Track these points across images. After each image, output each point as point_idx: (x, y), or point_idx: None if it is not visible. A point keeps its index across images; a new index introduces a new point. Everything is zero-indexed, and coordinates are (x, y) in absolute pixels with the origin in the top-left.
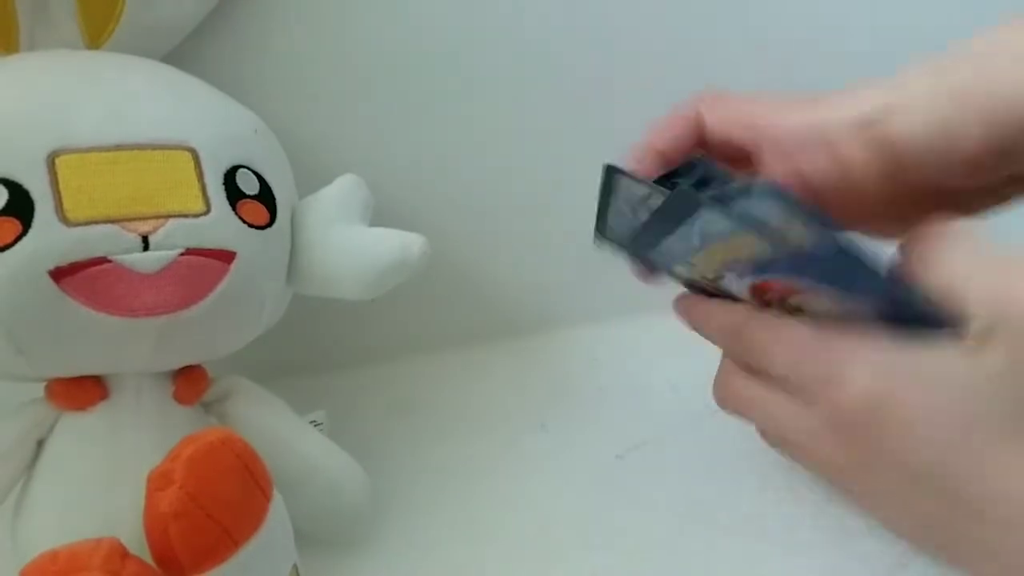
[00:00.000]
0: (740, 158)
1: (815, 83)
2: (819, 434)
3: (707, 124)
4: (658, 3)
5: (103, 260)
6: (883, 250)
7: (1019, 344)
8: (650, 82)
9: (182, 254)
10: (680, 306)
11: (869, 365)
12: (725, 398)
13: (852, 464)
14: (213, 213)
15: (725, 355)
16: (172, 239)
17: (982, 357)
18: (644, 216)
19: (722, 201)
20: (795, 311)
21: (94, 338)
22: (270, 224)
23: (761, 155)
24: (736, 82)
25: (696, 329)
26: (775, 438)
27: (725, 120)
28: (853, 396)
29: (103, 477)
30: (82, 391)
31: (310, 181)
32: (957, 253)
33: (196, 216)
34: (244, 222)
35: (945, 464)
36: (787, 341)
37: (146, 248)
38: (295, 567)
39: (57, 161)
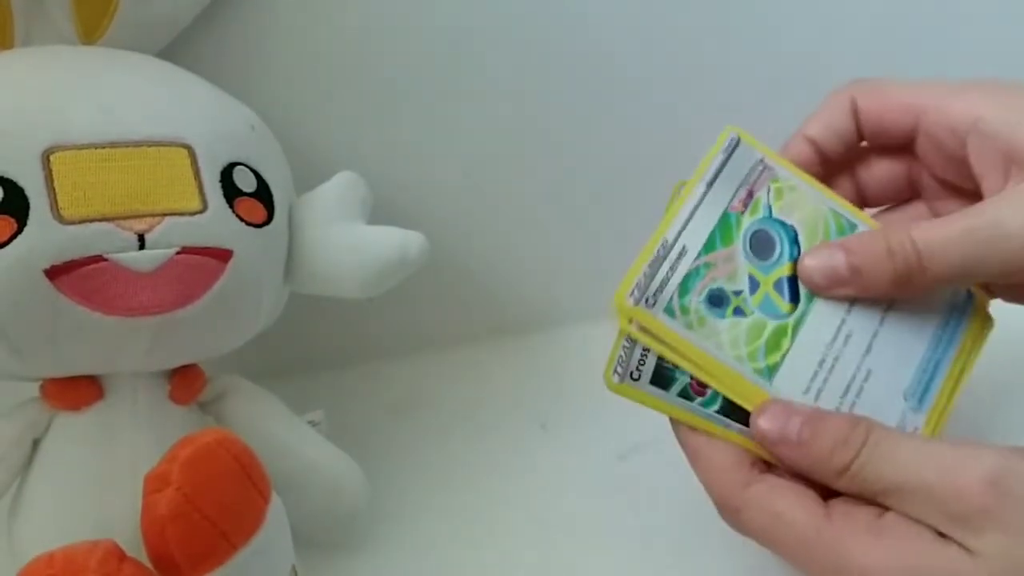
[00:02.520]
0: (895, 147)
1: (821, 86)
2: None
3: (862, 110)
4: (661, 2)
5: (99, 259)
6: None
7: None
8: (653, 80)
9: (178, 253)
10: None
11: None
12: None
13: None
14: (210, 211)
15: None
16: (168, 237)
17: None
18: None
19: None
20: None
21: (89, 337)
22: (268, 222)
23: (917, 143)
24: (740, 82)
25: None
26: None
27: (882, 106)
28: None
29: (99, 478)
30: (77, 391)
31: (308, 178)
32: None
33: (193, 214)
34: (241, 220)
35: None
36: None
37: (142, 247)
38: (293, 568)
39: (52, 158)
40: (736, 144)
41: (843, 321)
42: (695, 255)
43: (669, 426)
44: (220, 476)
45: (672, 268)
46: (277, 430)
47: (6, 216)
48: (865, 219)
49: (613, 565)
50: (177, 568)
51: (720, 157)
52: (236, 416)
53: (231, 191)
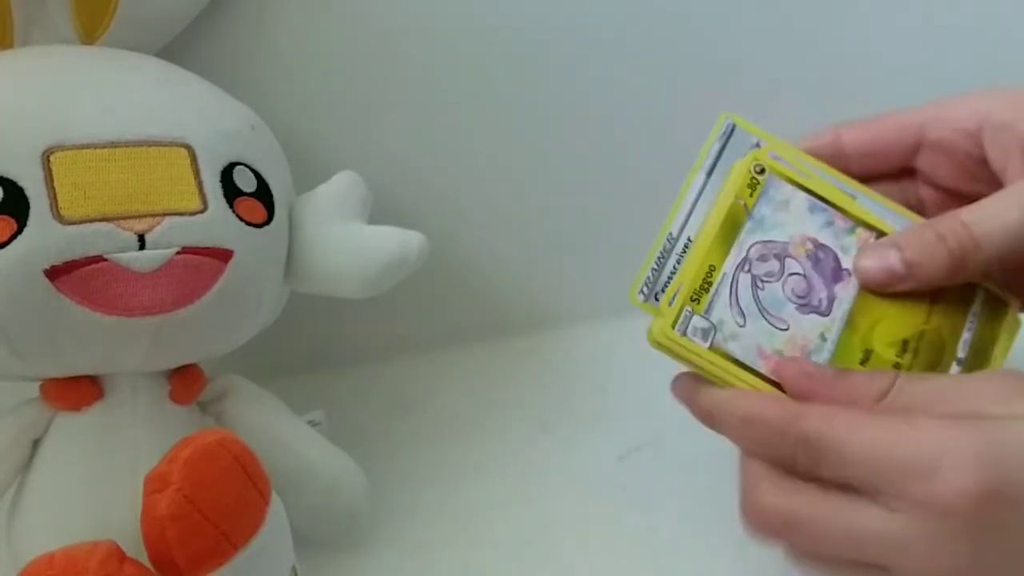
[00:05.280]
0: (886, 173)
1: (826, 84)
2: (917, 539)
3: (848, 142)
4: (661, 3)
5: (99, 259)
6: None
7: None
8: (651, 78)
9: (178, 253)
10: (680, 387)
11: (970, 451)
12: (764, 520)
13: (965, 564)
14: (210, 211)
15: (748, 459)
16: (168, 238)
17: None
18: None
19: None
20: None
21: (89, 338)
22: (268, 222)
23: (920, 158)
24: (742, 81)
25: (708, 421)
26: (847, 551)
27: (873, 133)
28: (962, 489)
29: (99, 478)
30: (77, 391)
31: (307, 178)
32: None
33: (193, 214)
34: (241, 220)
35: None
36: (860, 434)
37: (142, 247)
38: (293, 568)
39: (52, 158)
40: (732, 130)
41: None
42: None
43: (668, 427)
44: (220, 477)
45: (679, 261)
46: (277, 430)
47: (6, 216)
48: (865, 190)
49: (613, 565)
50: (177, 568)
51: (717, 145)
52: (236, 416)
53: (231, 191)
